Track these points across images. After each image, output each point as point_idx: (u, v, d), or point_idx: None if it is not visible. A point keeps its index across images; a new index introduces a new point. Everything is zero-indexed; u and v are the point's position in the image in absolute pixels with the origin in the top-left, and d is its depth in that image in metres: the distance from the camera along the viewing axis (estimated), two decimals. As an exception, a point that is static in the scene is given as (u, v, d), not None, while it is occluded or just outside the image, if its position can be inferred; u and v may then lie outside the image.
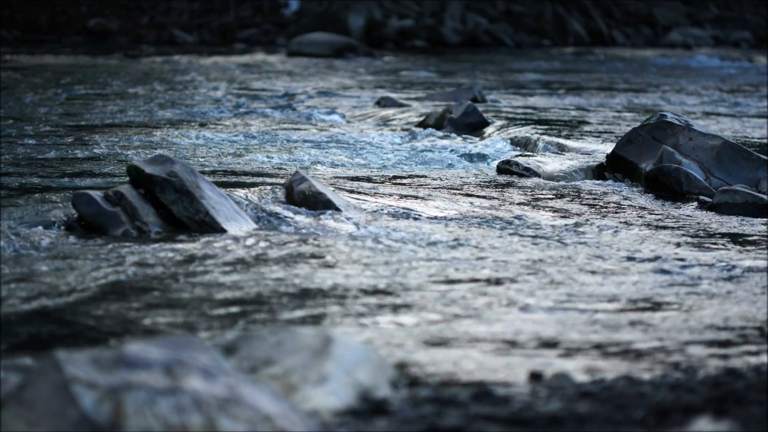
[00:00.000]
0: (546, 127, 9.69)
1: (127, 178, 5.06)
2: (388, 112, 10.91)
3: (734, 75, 19.42)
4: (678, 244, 5.10)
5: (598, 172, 7.11)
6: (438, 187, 6.60)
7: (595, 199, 6.38)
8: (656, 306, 3.95)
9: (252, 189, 5.86)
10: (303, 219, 5.32)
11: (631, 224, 5.58)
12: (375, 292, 4.07)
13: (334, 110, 11.29)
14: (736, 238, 5.30)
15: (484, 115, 9.75)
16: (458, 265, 4.53)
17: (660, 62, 23.47)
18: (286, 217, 5.34)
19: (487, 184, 6.81)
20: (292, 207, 5.52)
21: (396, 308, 3.84)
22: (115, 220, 4.89)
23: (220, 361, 2.45)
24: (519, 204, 6.09)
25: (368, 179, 6.81)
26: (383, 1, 29.72)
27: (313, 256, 4.64)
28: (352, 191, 6.13)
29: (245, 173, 6.87)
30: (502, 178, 7.04)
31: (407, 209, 5.76)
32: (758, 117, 11.44)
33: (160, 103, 11.70)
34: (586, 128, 9.75)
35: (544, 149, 8.33)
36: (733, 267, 4.60)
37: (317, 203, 5.52)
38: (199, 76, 16.51)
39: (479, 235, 5.18)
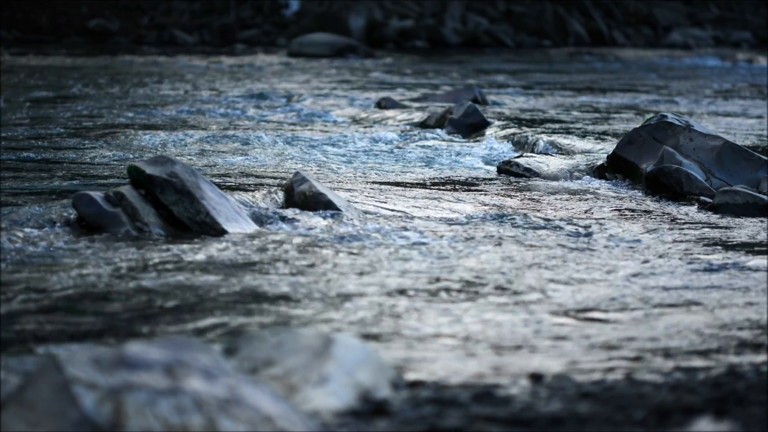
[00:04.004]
0: (546, 127, 9.69)
1: (128, 179, 5.06)
2: (389, 112, 10.91)
3: (734, 75, 19.41)
4: (678, 245, 5.10)
5: (599, 172, 7.11)
6: (439, 188, 6.60)
7: (595, 199, 6.38)
8: (656, 306, 3.94)
9: (252, 190, 5.86)
10: (303, 220, 5.32)
11: (632, 225, 5.57)
12: (375, 292, 4.07)
13: (335, 111, 11.28)
14: (737, 239, 5.30)
15: (485, 115, 9.75)
16: (459, 266, 4.53)
17: (660, 62, 23.47)
18: (286, 217, 5.34)
19: (487, 184, 6.81)
20: (293, 208, 5.52)
21: (397, 309, 3.84)
22: (116, 221, 4.89)
23: (221, 362, 2.45)
24: (519, 205, 6.09)
25: (369, 180, 6.81)
26: (384, 2, 29.73)
27: (313, 257, 4.64)
28: (352, 192, 6.13)
29: (246, 174, 6.87)
30: (502, 179, 7.04)
31: (408, 210, 5.76)
32: (758, 117, 11.44)
33: (160, 104, 11.70)
34: (587, 128, 9.75)
35: (545, 150, 8.32)
36: (734, 267, 4.60)
37: (318, 204, 5.51)
38: (200, 76, 16.51)
39: (479, 236, 5.18)
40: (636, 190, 6.66)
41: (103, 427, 2.18)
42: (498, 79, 17.14)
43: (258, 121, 10.36)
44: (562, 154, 7.96)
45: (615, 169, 7.04)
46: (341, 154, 8.10)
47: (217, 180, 6.17)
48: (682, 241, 5.19)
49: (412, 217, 5.58)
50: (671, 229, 5.51)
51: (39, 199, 5.54)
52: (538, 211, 5.89)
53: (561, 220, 5.64)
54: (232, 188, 5.92)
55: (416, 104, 11.83)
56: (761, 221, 5.79)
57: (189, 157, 7.68)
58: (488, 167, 7.65)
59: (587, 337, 3.50)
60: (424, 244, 4.95)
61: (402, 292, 4.08)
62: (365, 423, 2.52)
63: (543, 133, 9.01)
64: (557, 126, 9.90)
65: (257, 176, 6.75)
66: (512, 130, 9.15)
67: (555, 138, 8.69)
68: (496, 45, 29.50)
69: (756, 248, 5.08)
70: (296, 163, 7.59)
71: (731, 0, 35.84)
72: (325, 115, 10.94)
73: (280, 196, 5.71)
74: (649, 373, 3.05)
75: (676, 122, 6.99)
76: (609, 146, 7.80)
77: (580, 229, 5.40)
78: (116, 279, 4.15)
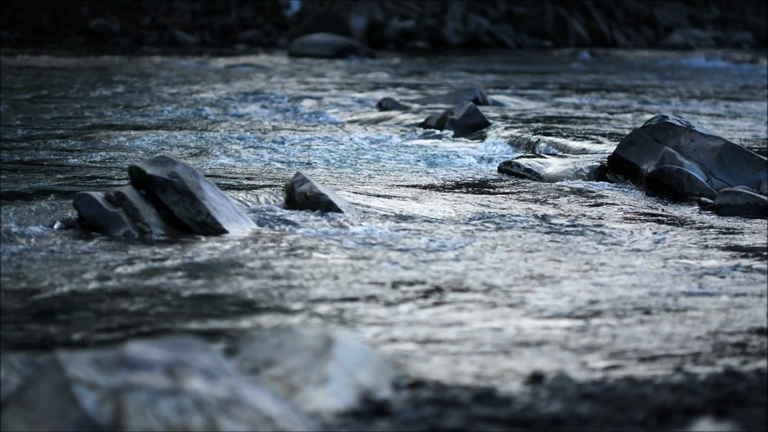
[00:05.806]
0: (547, 128, 9.69)
1: (128, 179, 5.06)
2: (390, 113, 10.91)
3: (735, 76, 19.41)
4: (679, 246, 5.10)
5: (600, 173, 7.11)
6: (439, 189, 6.60)
7: (595, 200, 6.38)
8: (656, 308, 3.94)
9: (253, 190, 5.86)
10: (304, 220, 5.32)
11: (633, 226, 5.57)
12: (376, 294, 4.07)
13: (336, 111, 11.29)
14: (737, 240, 5.30)
15: (486, 116, 9.75)
16: (459, 268, 4.53)
17: (661, 63, 23.47)
18: (287, 218, 5.34)
19: (488, 185, 6.81)
20: (294, 208, 5.52)
21: (396, 310, 3.84)
22: (117, 221, 4.89)
23: (222, 362, 2.45)
24: (520, 206, 6.09)
25: (370, 181, 6.81)
26: (384, 2, 29.73)
27: (314, 257, 4.64)
28: (353, 192, 6.13)
29: (246, 174, 6.87)
30: (503, 180, 7.04)
31: (408, 211, 5.76)
32: (759, 118, 11.44)
33: (160, 104, 11.70)
34: (587, 129, 9.75)
35: (546, 150, 8.33)
36: (734, 268, 4.60)
37: (318, 204, 5.51)
38: (200, 77, 16.52)
39: (481, 237, 5.18)
40: (637, 191, 6.66)
41: (104, 428, 2.18)
42: (499, 79, 17.14)
43: (259, 121, 10.36)
44: (563, 155, 7.96)
45: (616, 169, 7.04)
46: (342, 154, 8.10)
47: (218, 180, 6.17)
48: (683, 242, 5.19)
49: (413, 218, 5.58)
50: (672, 230, 5.51)
51: (39, 199, 5.54)
52: (539, 212, 5.89)
53: (561, 221, 5.64)
54: (233, 188, 5.92)
55: (417, 105, 11.84)
56: (762, 222, 5.78)
57: (189, 157, 7.68)
58: (489, 168, 7.65)
59: (587, 339, 3.50)
60: (424, 245, 4.94)
61: (401, 293, 4.08)
62: (366, 423, 2.52)
63: (544, 133, 9.01)
64: (558, 127, 9.90)
65: (258, 177, 6.75)
66: (513, 131, 9.15)
67: (556, 139, 8.70)
68: (497, 45, 29.50)
69: (757, 250, 5.08)
70: (297, 163, 7.59)
71: (732, 1, 35.86)
72: (326, 115, 10.94)
73: (281, 196, 5.71)
74: (649, 374, 3.05)
75: (677, 123, 6.99)
76: (610, 147, 7.80)
77: (581, 230, 5.40)
78: (117, 279, 4.15)
